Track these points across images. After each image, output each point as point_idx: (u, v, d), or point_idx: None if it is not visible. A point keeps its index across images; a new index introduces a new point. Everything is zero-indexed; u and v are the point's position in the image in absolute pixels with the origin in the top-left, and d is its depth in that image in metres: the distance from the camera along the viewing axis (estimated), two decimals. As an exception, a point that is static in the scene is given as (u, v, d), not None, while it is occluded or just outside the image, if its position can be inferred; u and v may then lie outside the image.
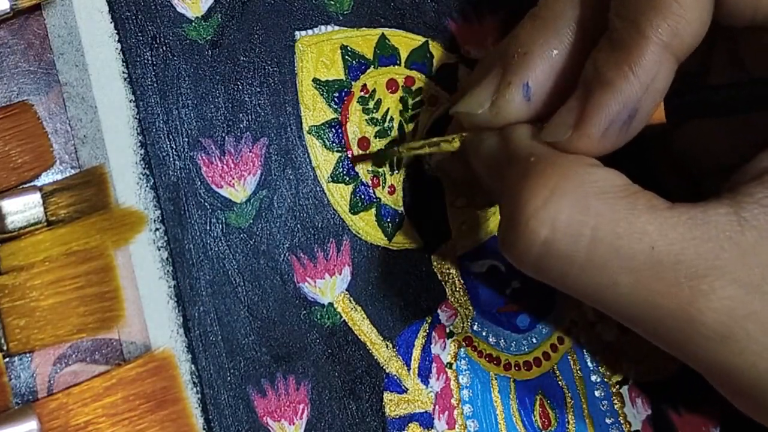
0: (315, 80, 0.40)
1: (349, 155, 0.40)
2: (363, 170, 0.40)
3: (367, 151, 0.40)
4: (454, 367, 0.40)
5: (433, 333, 0.40)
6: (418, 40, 0.41)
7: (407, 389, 0.39)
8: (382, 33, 0.41)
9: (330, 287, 0.39)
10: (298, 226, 0.39)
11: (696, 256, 0.32)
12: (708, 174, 0.40)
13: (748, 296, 0.32)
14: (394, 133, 0.41)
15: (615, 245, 0.32)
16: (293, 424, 0.38)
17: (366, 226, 0.40)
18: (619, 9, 0.34)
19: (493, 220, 0.42)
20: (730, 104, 0.35)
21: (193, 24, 0.38)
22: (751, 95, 0.34)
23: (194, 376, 0.36)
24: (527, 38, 0.36)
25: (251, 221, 0.38)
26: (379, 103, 0.40)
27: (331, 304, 0.39)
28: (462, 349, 0.41)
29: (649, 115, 0.34)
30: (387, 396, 0.39)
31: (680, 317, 0.32)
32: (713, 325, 0.32)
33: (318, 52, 0.40)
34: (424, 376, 0.40)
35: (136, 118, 0.37)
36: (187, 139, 0.38)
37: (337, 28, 0.40)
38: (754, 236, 0.32)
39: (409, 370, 0.40)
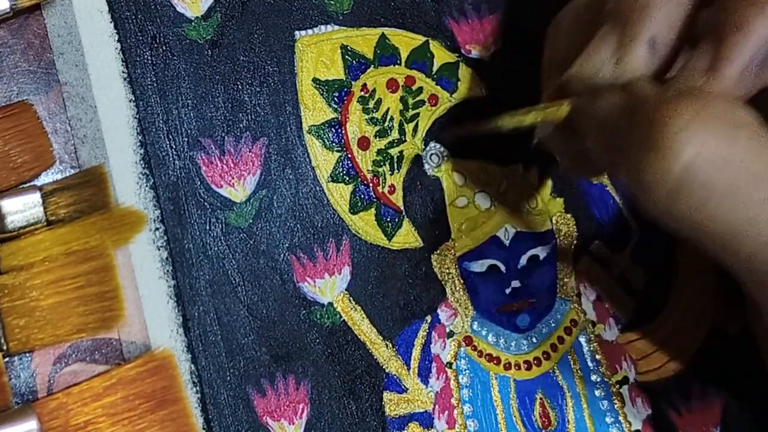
0: (315, 80, 0.40)
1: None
2: (364, 170, 0.40)
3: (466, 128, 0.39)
4: (453, 366, 0.40)
5: (433, 333, 0.40)
6: (419, 39, 0.41)
7: (407, 389, 0.39)
8: (383, 32, 0.41)
9: (330, 287, 0.39)
10: (298, 225, 0.39)
11: None
12: None
13: None
14: (394, 133, 0.41)
15: (760, 176, 0.31)
16: (293, 423, 0.38)
17: (366, 226, 0.40)
18: None
19: (494, 220, 0.42)
20: None
21: (193, 24, 0.38)
22: None
23: (194, 376, 0.37)
24: None
25: (251, 221, 0.38)
26: (379, 102, 0.40)
27: (330, 304, 0.39)
28: (462, 349, 0.41)
29: None
30: (387, 395, 0.39)
31: None
32: None
33: (318, 52, 0.40)
34: (424, 375, 0.40)
35: (135, 117, 0.37)
36: (186, 139, 0.38)
37: (337, 27, 0.40)
38: None
39: (408, 369, 0.40)
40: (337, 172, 0.40)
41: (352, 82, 0.40)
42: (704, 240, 0.32)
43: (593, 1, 0.37)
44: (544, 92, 0.38)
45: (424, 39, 0.41)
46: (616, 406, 0.42)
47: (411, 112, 0.41)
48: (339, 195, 0.40)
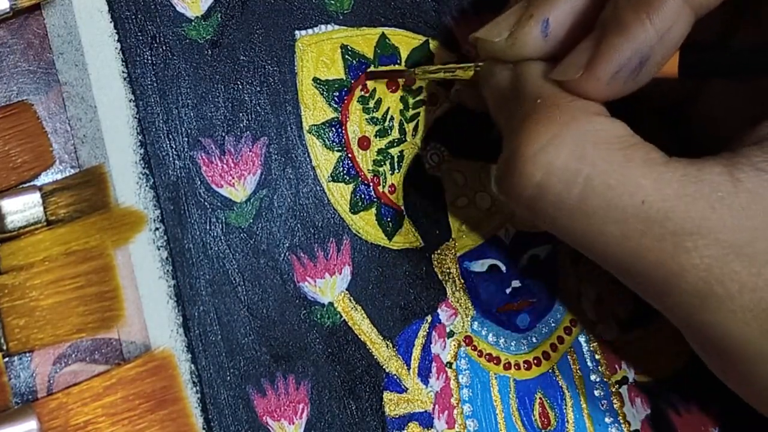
0: (315, 79, 0.40)
1: (365, 74, 0.40)
2: (365, 170, 0.40)
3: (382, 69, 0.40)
4: (453, 366, 0.40)
5: (433, 332, 0.40)
6: (419, 39, 0.41)
7: (407, 389, 0.39)
8: (383, 32, 0.41)
9: (330, 287, 0.39)
10: (298, 225, 0.39)
11: (685, 214, 0.32)
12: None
13: (731, 257, 0.32)
14: (395, 132, 0.41)
15: (606, 196, 0.33)
16: (293, 423, 0.38)
17: (366, 226, 0.40)
18: None
19: (494, 219, 0.42)
20: (746, 66, 0.35)
21: (193, 23, 0.38)
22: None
23: (194, 376, 0.37)
24: None
25: (251, 221, 0.38)
26: (379, 102, 0.40)
27: (331, 304, 0.39)
28: (462, 349, 0.41)
29: (660, 66, 0.34)
30: (387, 395, 0.39)
31: (662, 271, 0.33)
32: (693, 281, 0.32)
33: (318, 52, 0.40)
34: (424, 375, 0.40)
35: (135, 117, 0.37)
36: (186, 139, 0.38)
37: (337, 27, 0.40)
38: (745, 198, 0.32)
39: (408, 369, 0.40)
40: (337, 171, 0.40)
41: (353, 82, 0.40)
42: (568, 242, 0.35)
43: None
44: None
45: (424, 39, 0.41)
46: (615, 406, 0.42)
47: (411, 112, 0.41)
48: (339, 195, 0.39)
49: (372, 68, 0.40)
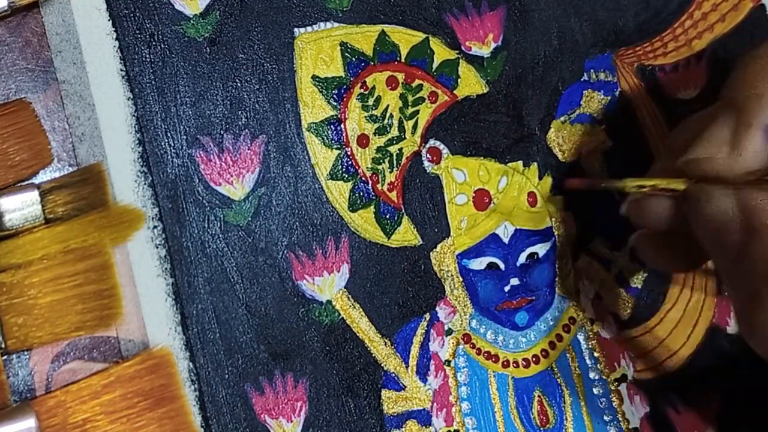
0: (314, 77, 0.40)
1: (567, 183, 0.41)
2: (364, 168, 0.40)
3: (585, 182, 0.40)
4: (452, 364, 0.40)
5: (432, 330, 0.40)
6: (419, 36, 0.41)
7: (405, 386, 0.39)
8: (382, 30, 0.41)
9: (328, 285, 0.39)
10: (297, 223, 0.39)
11: None
12: None
13: None
14: (394, 130, 0.40)
15: None
16: (291, 421, 0.38)
17: (365, 224, 0.40)
18: None
19: (493, 217, 0.42)
20: None
21: (192, 21, 0.38)
22: None
23: (192, 374, 0.37)
24: (758, 79, 0.33)
25: (249, 219, 0.38)
26: (378, 100, 0.40)
27: (329, 302, 0.39)
28: (460, 347, 0.41)
29: None
30: (385, 393, 0.39)
31: None
32: None
33: (317, 49, 0.40)
34: (423, 373, 0.40)
35: (134, 115, 0.37)
36: (185, 137, 0.38)
37: (336, 24, 0.40)
38: None
39: (407, 367, 0.40)
40: (336, 169, 0.39)
41: (352, 80, 0.40)
42: None
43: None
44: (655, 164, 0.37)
45: (424, 36, 0.41)
46: (614, 404, 0.42)
47: (411, 110, 0.41)
48: (338, 192, 0.39)
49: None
